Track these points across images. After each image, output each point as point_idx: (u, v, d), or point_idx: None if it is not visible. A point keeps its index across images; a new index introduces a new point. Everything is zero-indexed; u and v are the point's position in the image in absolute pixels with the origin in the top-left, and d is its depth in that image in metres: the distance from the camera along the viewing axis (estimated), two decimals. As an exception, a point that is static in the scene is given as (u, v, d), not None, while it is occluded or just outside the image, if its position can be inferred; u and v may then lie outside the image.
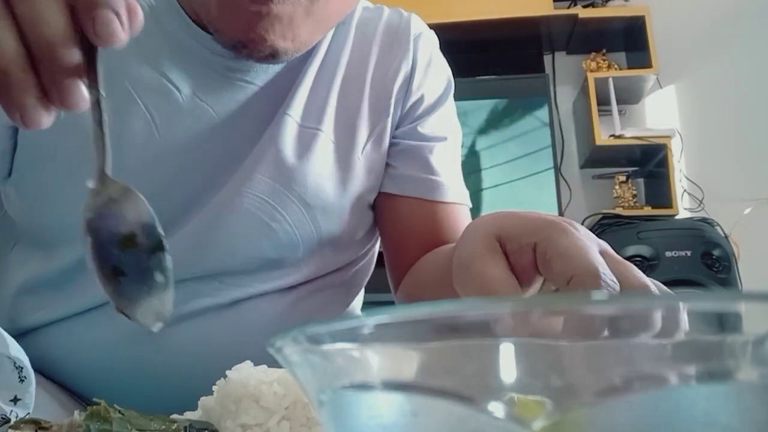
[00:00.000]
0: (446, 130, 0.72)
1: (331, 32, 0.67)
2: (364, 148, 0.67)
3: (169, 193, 0.60)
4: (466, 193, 0.73)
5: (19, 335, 0.64)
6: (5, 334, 0.45)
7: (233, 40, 0.56)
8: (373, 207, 0.72)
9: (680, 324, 0.17)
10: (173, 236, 0.59)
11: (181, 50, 0.61)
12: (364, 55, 0.68)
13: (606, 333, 0.18)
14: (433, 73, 0.71)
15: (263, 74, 0.63)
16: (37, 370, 0.46)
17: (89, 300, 0.61)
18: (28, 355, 0.46)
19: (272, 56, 0.57)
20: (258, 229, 0.62)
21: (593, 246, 0.37)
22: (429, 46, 0.72)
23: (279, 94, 0.64)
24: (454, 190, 0.70)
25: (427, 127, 0.70)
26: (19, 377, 0.45)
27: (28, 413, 0.44)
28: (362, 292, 0.79)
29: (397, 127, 0.70)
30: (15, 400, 0.45)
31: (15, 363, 0.45)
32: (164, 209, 0.59)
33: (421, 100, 0.70)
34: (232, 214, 0.61)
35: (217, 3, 0.55)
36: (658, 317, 0.17)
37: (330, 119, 0.66)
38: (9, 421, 0.42)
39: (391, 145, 0.70)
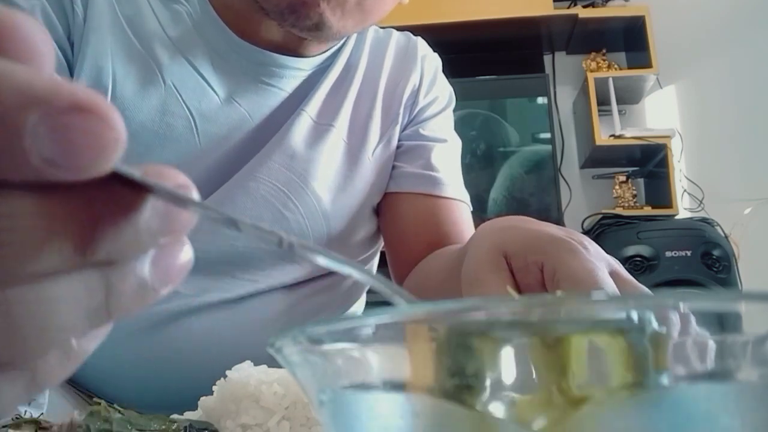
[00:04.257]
0: (446, 134, 0.77)
1: (350, 46, 0.73)
2: (374, 150, 0.72)
3: (200, 181, 0.63)
4: (466, 193, 0.75)
5: None
6: None
7: (283, 3, 0.58)
8: (377, 211, 0.75)
9: (680, 324, 0.18)
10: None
11: (219, 58, 0.65)
12: (377, 68, 0.74)
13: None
14: (437, 87, 0.78)
15: (292, 80, 0.68)
16: None
17: None
18: None
19: (317, 27, 0.60)
20: (271, 214, 0.65)
21: (602, 267, 0.36)
22: (434, 65, 0.79)
23: (302, 97, 0.69)
24: (453, 187, 0.73)
25: (428, 130, 0.75)
26: None
27: (42, 413, 0.44)
28: (364, 296, 0.80)
29: (402, 131, 0.75)
30: (29, 401, 0.45)
31: None
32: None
33: (426, 107, 0.77)
34: (247, 196, 0.64)
35: None
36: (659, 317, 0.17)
37: (344, 121, 0.70)
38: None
39: (396, 147, 0.75)
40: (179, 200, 0.18)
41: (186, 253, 0.20)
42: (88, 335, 0.18)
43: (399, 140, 0.75)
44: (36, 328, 0.16)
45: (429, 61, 0.79)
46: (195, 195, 0.18)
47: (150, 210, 0.17)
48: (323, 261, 0.21)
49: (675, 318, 0.17)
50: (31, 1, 0.59)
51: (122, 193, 0.17)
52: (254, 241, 0.17)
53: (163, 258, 0.19)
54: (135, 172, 0.17)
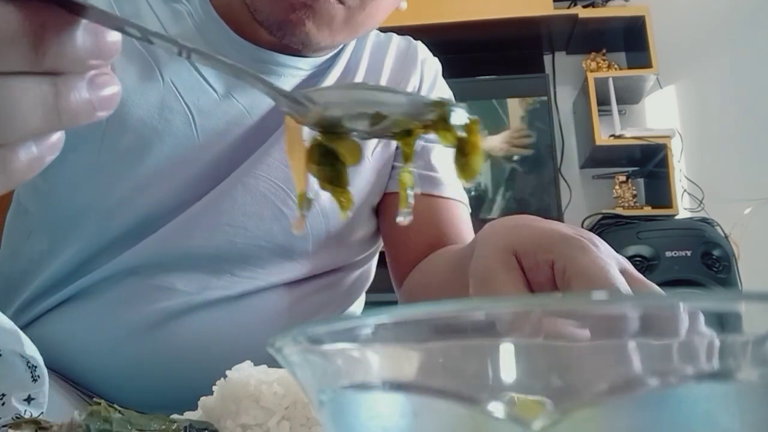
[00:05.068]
0: None
1: (351, 48, 0.74)
2: (374, 149, 0.72)
3: (198, 177, 0.64)
4: (465, 195, 0.76)
5: (29, 322, 0.65)
6: (20, 332, 0.46)
7: (271, 19, 0.61)
8: (377, 211, 0.76)
9: (680, 324, 0.18)
10: (185, 210, 0.63)
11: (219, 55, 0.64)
12: (377, 71, 0.75)
13: (606, 333, 0.18)
14: (437, 90, 0.79)
15: (291, 79, 0.68)
16: (47, 361, 0.47)
17: (104, 272, 0.63)
18: (37, 342, 0.47)
19: (303, 44, 0.63)
20: (270, 211, 0.65)
21: (613, 264, 0.36)
22: (434, 68, 0.80)
23: None
24: (452, 188, 0.73)
25: None
26: (32, 377, 0.45)
27: (42, 413, 0.44)
28: (363, 295, 0.80)
29: None
30: (29, 400, 0.45)
31: (28, 362, 0.45)
32: (184, 187, 0.62)
33: None
34: (246, 192, 0.64)
35: None
36: (659, 318, 0.17)
37: None
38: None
39: (395, 147, 0.75)
40: (103, 16, 0.25)
41: (115, 86, 0.27)
42: (44, 143, 0.26)
43: None
44: (7, 115, 0.24)
45: (429, 64, 0.79)
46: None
47: (83, 30, 0.24)
48: (219, 65, 0.27)
49: (684, 317, 0.17)
50: None
51: (62, 13, 0.24)
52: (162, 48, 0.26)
53: (99, 83, 0.26)
54: None
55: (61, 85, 0.25)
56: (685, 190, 2.28)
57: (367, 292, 0.81)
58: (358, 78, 0.73)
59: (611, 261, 0.36)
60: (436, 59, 0.82)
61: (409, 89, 0.76)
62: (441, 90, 0.80)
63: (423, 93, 0.77)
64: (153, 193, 0.63)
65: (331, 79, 0.71)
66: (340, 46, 0.72)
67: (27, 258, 0.68)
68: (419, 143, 0.75)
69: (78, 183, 0.64)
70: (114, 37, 0.25)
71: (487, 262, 0.40)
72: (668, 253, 1.89)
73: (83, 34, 0.24)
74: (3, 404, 0.43)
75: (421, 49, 0.80)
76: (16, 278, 0.68)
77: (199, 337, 0.63)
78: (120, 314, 0.62)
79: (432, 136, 0.81)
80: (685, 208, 2.27)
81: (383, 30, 0.80)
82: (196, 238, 0.63)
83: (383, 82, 0.75)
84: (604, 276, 0.35)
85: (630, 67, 2.49)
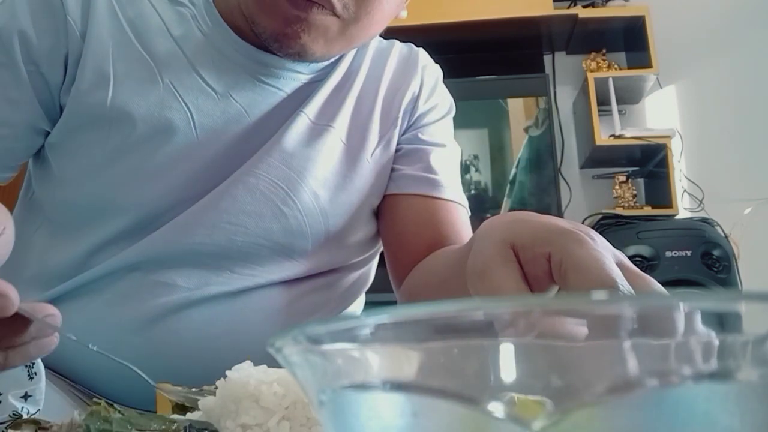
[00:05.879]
0: (446, 139, 0.79)
1: (351, 55, 0.74)
2: (373, 152, 0.73)
3: (199, 174, 0.65)
4: (465, 198, 0.77)
5: None
6: None
7: (268, 32, 0.62)
8: (377, 214, 0.76)
9: (680, 324, 0.18)
10: (187, 208, 0.64)
11: (219, 55, 0.67)
12: (378, 75, 0.76)
13: (607, 333, 0.18)
14: (437, 96, 0.80)
15: (292, 82, 0.69)
16: (45, 359, 0.47)
17: (106, 268, 0.64)
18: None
19: (299, 54, 0.64)
20: (270, 210, 0.66)
21: (610, 257, 0.36)
22: (435, 74, 0.81)
23: (302, 100, 0.70)
24: (451, 190, 0.74)
25: (427, 134, 0.76)
26: (29, 374, 0.45)
27: (39, 409, 0.45)
28: (363, 297, 0.80)
29: (402, 135, 0.76)
30: (26, 397, 0.45)
31: None
32: (185, 185, 0.62)
33: (425, 114, 0.78)
34: (246, 192, 0.65)
35: (258, 2, 0.61)
36: (659, 317, 0.17)
37: (343, 122, 0.71)
38: (20, 417, 0.42)
39: (395, 150, 0.76)
40: (46, 324, 0.41)
41: (51, 342, 0.43)
42: None
43: (398, 144, 0.75)
44: None
45: (429, 70, 0.80)
46: (57, 320, 0.42)
47: (33, 325, 0.40)
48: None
49: (679, 317, 0.17)
50: (8, 26, 0.61)
51: (22, 319, 0.40)
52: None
53: (40, 345, 0.42)
54: (27, 310, 0.40)
55: (9, 353, 0.41)
56: (685, 190, 2.28)
57: (366, 293, 0.81)
58: (358, 83, 0.73)
59: (608, 254, 0.36)
60: (437, 66, 0.82)
61: (409, 94, 0.76)
62: (441, 96, 0.80)
63: (423, 98, 0.77)
64: (155, 191, 0.64)
65: (331, 83, 0.71)
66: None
67: (30, 248, 0.68)
68: (418, 146, 0.76)
69: (84, 179, 0.65)
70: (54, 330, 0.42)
71: (484, 256, 0.40)
72: (668, 253, 1.89)
73: (33, 326, 0.41)
74: (0, 402, 0.44)
75: (423, 56, 0.81)
76: (13, 266, 0.68)
77: (197, 332, 0.63)
78: (120, 311, 0.63)
79: (432, 139, 0.81)
80: (685, 208, 2.27)
81: (386, 39, 0.80)
82: (198, 235, 0.64)
83: (384, 87, 0.75)
84: (600, 268, 0.35)
85: (630, 67, 2.49)
